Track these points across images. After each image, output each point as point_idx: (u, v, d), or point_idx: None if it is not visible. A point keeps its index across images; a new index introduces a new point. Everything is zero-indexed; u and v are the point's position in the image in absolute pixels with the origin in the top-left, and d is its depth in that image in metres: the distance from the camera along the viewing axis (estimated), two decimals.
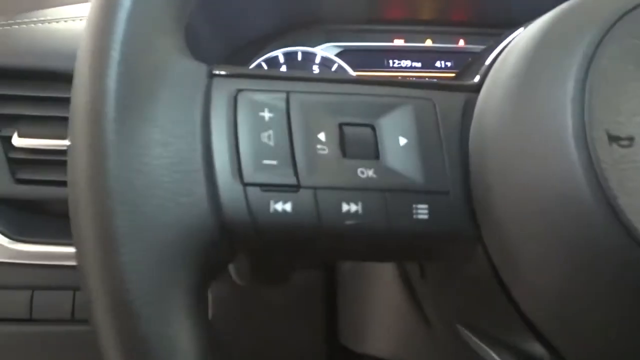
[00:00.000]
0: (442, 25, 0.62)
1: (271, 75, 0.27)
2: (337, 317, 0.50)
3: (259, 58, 0.59)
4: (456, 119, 0.28)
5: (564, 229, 0.24)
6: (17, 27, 0.49)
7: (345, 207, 0.25)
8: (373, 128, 0.27)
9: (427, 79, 0.61)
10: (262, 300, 0.49)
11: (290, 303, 0.50)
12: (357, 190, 0.26)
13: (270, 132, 0.26)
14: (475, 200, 0.27)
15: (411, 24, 0.62)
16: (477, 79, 0.30)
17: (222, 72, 0.27)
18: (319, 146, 0.26)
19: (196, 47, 0.56)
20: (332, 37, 0.61)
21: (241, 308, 0.49)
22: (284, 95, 0.27)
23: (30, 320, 0.49)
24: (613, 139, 0.24)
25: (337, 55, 0.61)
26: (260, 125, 0.26)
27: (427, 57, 0.62)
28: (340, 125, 0.27)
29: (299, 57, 0.60)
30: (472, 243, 0.27)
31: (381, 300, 0.42)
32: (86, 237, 0.23)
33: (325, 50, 0.61)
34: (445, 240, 0.27)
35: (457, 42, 0.62)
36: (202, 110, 0.25)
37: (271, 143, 0.26)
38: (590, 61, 0.25)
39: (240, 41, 0.60)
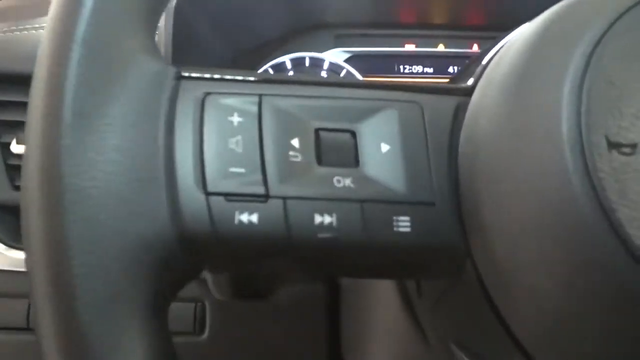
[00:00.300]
0: (455, 29, 0.60)
1: (243, 77, 0.26)
2: (339, 331, 0.48)
3: (265, 64, 0.58)
4: (446, 123, 0.26)
5: (557, 244, 0.22)
6: (18, 33, 0.48)
7: (318, 219, 0.24)
8: (353, 134, 0.25)
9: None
10: (263, 312, 0.48)
11: (294, 315, 0.48)
12: (331, 201, 0.24)
13: (239, 137, 0.24)
14: (464, 212, 0.25)
15: (423, 28, 0.60)
16: (470, 81, 0.28)
17: (190, 74, 0.25)
18: (291, 153, 0.24)
19: (202, 53, 0.55)
20: (341, 42, 0.60)
21: (242, 320, 0.48)
22: (256, 99, 0.25)
23: (27, 329, 0.48)
24: (613, 145, 0.22)
25: (346, 60, 0.59)
26: (228, 130, 0.24)
27: (439, 63, 0.60)
28: (317, 131, 0.25)
29: (307, 63, 0.58)
30: (461, 258, 0.25)
31: (381, 316, 0.40)
32: (36, 246, 0.21)
33: (334, 56, 0.59)
34: (431, 255, 0.25)
35: (470, 47, 0.60)
36: (167, 114, 0.24)
37: (239, 149, 0.24)
38: (588, 60, 0.23)
39: (247, 46, 0.59)
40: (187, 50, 0.51)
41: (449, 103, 0.27)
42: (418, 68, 0.60)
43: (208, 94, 0.25)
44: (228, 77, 0.26)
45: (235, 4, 0.55)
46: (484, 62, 0.29)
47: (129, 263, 0.22)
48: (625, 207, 0.21)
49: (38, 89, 0.23)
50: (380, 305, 0.40)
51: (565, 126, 0.22)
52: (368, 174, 0.25)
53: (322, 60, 0.58)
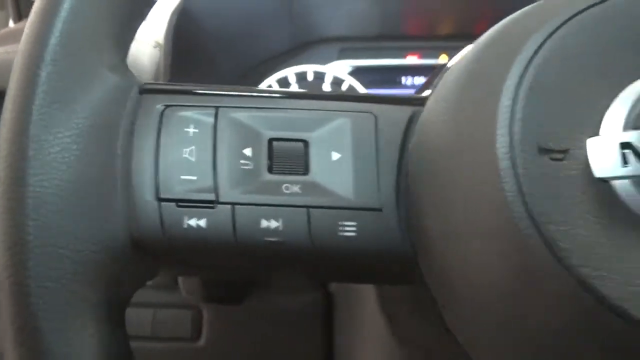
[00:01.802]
0: (457, 39, 0.60)
1: (201, 91, 0.27)
2: (333, 338, 0.49)
3: (269, 78, 0.59)
4: (398, 132, 0.27)
5: (490, 250, 0.22)
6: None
7: (264, 224, 0.25)
8: (306, 143, 0.26)
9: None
10: (260, 319, 0.49)
11: (290, 323, 0.49)
12: (279, 207, 0.25)
13: (193, 147, 0.25)
14: (411, 218, 0.25)
15: (426, 40, 0.61)
16: (428, 92, 0.29)
17: (153, 88, 0.27)
18: (243, 161, 0.26)
19: (208, 69, 0.57)
20: (344, 55, 0.61)
21: (238, 327, 0.49)
22: (212, 111, 0.26)
23: None
24: (545, 151, 0.23)
25: (350, 73, 0.60)
26: (183, 140, 0.26)
27: None
28: (271, 141, 0.26)
29: (310, 77, 0.59)
30: (410, 264, 0.26)
31: (365, 323, 0.41)
32: None
33: (338, 69, 0.60)
34: (377, 259, 0.26)
35: None
36: (128, 125, 0.25)
37: (192, 158, 0.25)
38: (525, 68, 0.23)
39: (253, 61, 0.60)
40: (192, 67, 0.53)
41: (403, 113, 0.27)
42: (420, 79, 0.60)
43: (167, 106, 0.26)
44: (187, 90, 0.27)
45: (239, 20, 0.57)
46: (443, 72, 0.30)
47: (84, 265, 0.24)
48: (554, 212, 0.21)
49: (8, 104, 0.25)
50: (365, 311, 0.40)
51: (499, 133, 0.22)
52: (316, 181, 0.26)
53: (324, 74, 0.59)
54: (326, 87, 0.59)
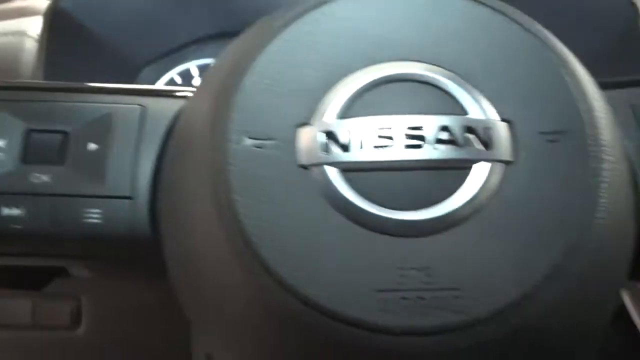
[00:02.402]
0: None
1: None
2: None
3: (171, 71, 0.60)
4: (164, 124, 0.28)
5: (205, 233, 0.23)
6: None
7: (5, 211, 0.26)
8: (66, 134, 0.27)
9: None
10: (137, 308, 0.49)
11: (164, 313, 0.50)
12: (24, 195, 0.26)
13: None
14: (161, 207, 0.26)
15: None
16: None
17: None
18: None
19: (110, 60, 0.58)
20: None
21: (116, 316, 0.50)
22: None
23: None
24: (253, 140, 0.24)
25: None
26: None
27: None
28: (30, 132, 0.27)
29: None
30: (156, 250, 0.26)
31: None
32: None
33: None
34: (122, 245, 0.26)
35: None
36: None
37: None
38: (247, 64, 0.25)
39: (158, 52, 0.61)
40: (86, 58, 0.54)
41: (172, 106, 0.28)
42: None
43: None
44: None
45: (141, 10, 0.58)
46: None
47: None
48: (252, 194, 0.22)
49: None
50: None
51: (212, 123, 0.23)
52: (69, 170, 0.27)
53: None
54: None
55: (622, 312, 0.39)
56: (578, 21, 0.53)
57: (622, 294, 0.35)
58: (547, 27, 0.27)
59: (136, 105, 0.28)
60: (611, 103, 0.26)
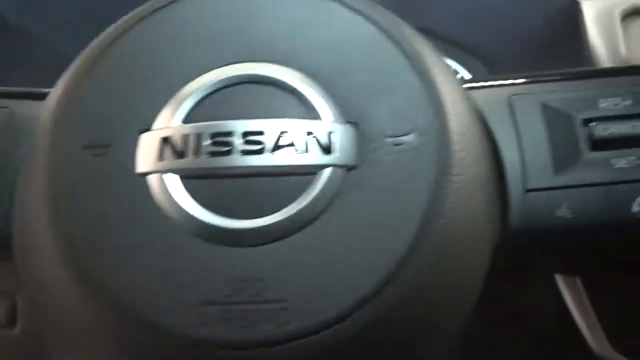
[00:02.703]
0: None
1: None
2: None
3: None
4: (30, 129, 0.28)
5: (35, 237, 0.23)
6: None
7: None
8: None
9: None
10: None
11: None
12: None
13: None
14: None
15: None
16: None
17: None
18: None
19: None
20: None
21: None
22: None
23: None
24: (88, 147, 0.23)
25: None
26: None
27: None
28: None
29: None
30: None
31: None
32: None
33: None
34: None
35: None
36: None
37: None
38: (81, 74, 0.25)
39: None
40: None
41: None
42: None
43: None
44: None
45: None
46: None
47: None
48: (76, 202, 0.22)
49: None
50: None
51: (46, 129, 0.23)
52: None
53: None
54: None
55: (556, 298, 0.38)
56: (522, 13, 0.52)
57: (557, 279, 0.34)
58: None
59: (6, 109, 0.28)
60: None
